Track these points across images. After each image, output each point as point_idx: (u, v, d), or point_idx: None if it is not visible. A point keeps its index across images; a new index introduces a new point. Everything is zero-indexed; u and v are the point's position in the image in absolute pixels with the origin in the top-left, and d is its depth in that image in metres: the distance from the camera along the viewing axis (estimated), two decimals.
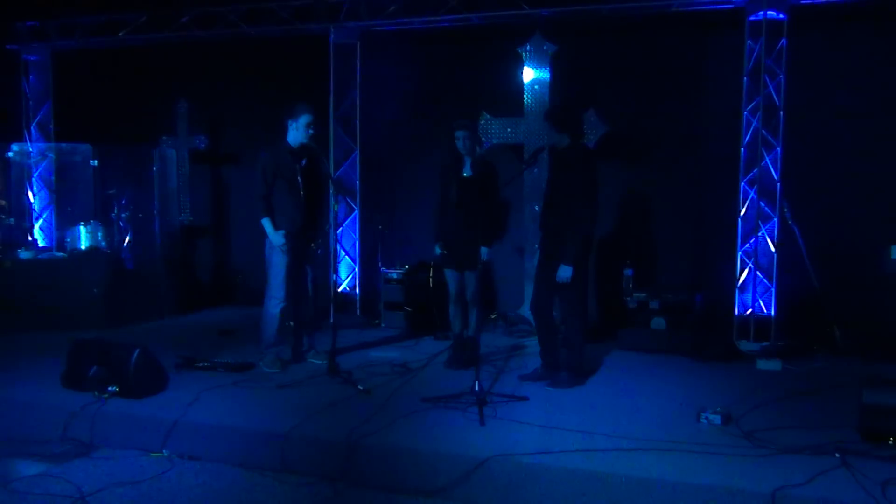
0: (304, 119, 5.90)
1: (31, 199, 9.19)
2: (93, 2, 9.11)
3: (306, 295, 6.18)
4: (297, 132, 5.93)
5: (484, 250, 5.97)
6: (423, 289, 7.80)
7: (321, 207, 6.26)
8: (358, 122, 8.27)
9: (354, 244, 8.41)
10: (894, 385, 4.28)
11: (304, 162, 6.00)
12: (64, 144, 9.20)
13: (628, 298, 7.10)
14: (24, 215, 9.09)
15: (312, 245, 6.16)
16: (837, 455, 4.00)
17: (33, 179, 9.20)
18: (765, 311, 6.94)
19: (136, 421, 4.86)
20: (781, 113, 6.80)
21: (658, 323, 6.90)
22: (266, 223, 5.89)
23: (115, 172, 8.65)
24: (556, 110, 5.86)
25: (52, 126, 9.58)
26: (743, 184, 6.95)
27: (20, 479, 4.35)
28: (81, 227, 8.21)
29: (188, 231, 9.70)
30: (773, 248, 6.90)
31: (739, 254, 7.01)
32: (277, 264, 5.96)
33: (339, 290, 8.31)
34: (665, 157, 7.70)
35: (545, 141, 7.45)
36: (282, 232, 5.89)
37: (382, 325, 7.99)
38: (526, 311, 7.73)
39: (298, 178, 5.94)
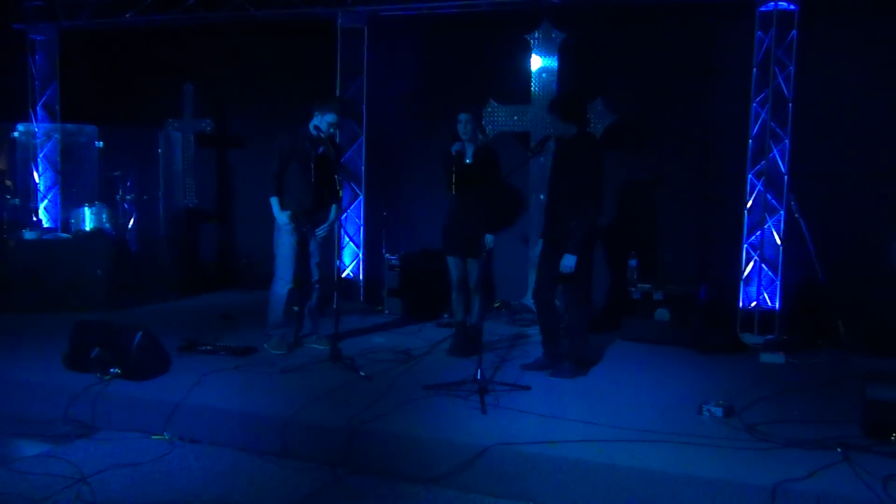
0: (329, 117, 5.91)
1: (37, 180, 9.18)
2: None
3: (310, 280, 6.19)
4: (318, 124, 5.93)
5: (489, 238, 5.96)
6: (426, 275, 7.79)
7: (332, 196, 6.23)
8: (364, 107, 8.24)
9: (359, 230, 8.39)
10: None
11: (321, 149, 6.00)
12: (69, 125, 9.18)
13: (632, 289, 7.07)
14: (30, 195, 9.08)
15: (318, 231, 6.15)
16: (839, 450, 3.99)
17: (39, 160, 9.18)
18: (769, 304, 6.92)
19: (137, 403, 4.87)
20: (790, 105, 6.75)
21: (662, 314, 6.88)
22: (273, 202, 5.93)
23: (121, 154, 8.63)
24: (561, 101, 5.81)
25: (57, 106, 9.57)
26: (750, 176, 6.91)
27: (21, 460, 4.36)
28: (86, 209, 8.19)
29: (193, 214, 9.69)
30: (778, 241, 6.87)
31: (745, 246, 6.99)
32: (284, 246, 5.99)
33: (343, 275, 8.31)
34: (672, 148, 7.65)
35: (552, 130, 7.44)
36: (287, 213, 5.90)
37: (385, 311, 7.98)
38: (529, 300, 7.70)
39: (312, 164, 5.94)
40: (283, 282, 6.04)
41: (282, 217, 5.92)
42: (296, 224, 5.96)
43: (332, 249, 7.11)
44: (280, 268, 6.04)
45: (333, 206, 6.22)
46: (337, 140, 8.04)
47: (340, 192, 6.13)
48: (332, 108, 5.92)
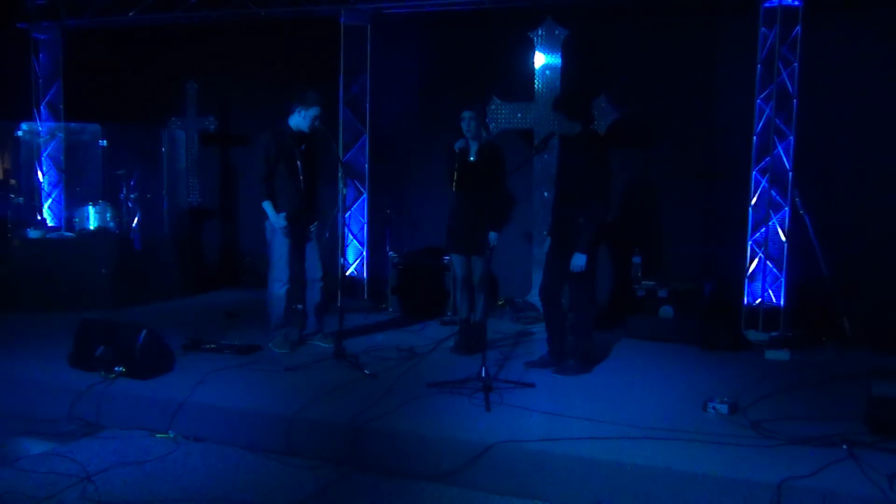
0: (313, 111, 5.89)
1: (41, 179, 9.19)
2: None
3: (312, 278, 6.18)
4: (302, 120, 5.92)
5: (493, 235, 5.95)
6: (429, 273, 7.79)
7: (321, 191, 6.23)
8: (367, 105, 8.23)
9: (362, 228, 8.39)
10: None
11: (303, 146, 5.99)
12: (73, 124, 9.19)
13: (637, 286, 7.06)
14: (34, 194, 9.10)
15: (312, 228, 6.14)
16: (845, 447, 3.98)
17: (43, 159, 9.20)
18: (774, 300, 6.90)
19: (142, 401, 4.88)
20: (795, 101, 6.73)
21: (666, 311, 6.86)
22: (267, 206, 5.90)
23: (124, 153, 8.63)
24: (567, 99, 5.79)
25: (61, 105, 9.56)
26: (754, 172, 6.89)
27: (26, 458, 4.38)
28: (90, 207, 8.19)
29: (196, 212, 9.71)
30: (783, 238, 6.85)
31: (750, 243, 6.97)
32: (279, 247, 5.97)
33: (347, 273, 8.30)
34: (676, 144, 7.64)
35: (555, 127, 7.43)
36: (283, 214, 5.89)
37: (389, 308, 7.98)
38: (533, 297, 7.70)
39: (298, 161, 5.93)
40: (279, 283, 6.02)
41: (279, 220, 5.89)
42: (292, 226, 5.95)
43: (334, 247, 7.12)
44: (276, 269, 6.02)
45: (326, 203, 6.19)
46: (341, 137, 8.11)
47: (344, 189, 6.12)
48: (315, 100, 5.89)
